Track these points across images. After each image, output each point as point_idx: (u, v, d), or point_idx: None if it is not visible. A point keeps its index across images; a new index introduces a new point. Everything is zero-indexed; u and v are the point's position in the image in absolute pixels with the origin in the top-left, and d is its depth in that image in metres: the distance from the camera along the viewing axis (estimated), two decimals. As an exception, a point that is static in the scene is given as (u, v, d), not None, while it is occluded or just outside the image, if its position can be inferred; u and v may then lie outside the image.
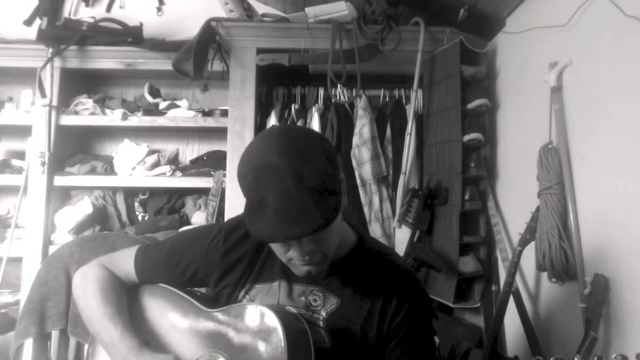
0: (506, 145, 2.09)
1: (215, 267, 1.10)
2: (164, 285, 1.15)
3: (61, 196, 2.35)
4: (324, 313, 1.04)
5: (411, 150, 2.22)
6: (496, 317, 1.71)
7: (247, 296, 1.08)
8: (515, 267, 1.66)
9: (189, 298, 1.12)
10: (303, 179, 0.84)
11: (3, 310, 2.16)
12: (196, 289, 1.25)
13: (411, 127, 2.21)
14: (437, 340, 1.96)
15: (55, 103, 2.26)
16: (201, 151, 2.59)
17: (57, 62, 2.27)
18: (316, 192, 0.85)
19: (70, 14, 2.57)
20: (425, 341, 1.08)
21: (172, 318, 1.11)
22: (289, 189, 0.84)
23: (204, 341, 1.05)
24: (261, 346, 0.97)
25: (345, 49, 2.18)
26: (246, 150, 0.93)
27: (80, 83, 2.45)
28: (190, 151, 2.62)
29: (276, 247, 0.97)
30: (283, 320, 0.96)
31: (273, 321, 0.96)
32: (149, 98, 2.39)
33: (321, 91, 2.38)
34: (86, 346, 1.32)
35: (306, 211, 0.83)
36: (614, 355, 0.76)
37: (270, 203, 0.84)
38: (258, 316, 0.99)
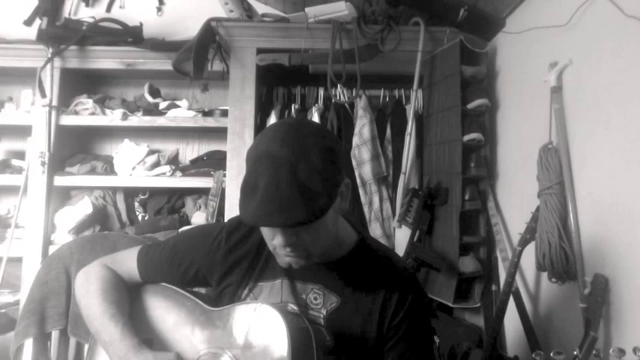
0: (506, 145, 2.09)
1: (217, 266, 1.11)
2: (166, 284, 1.15)
3: (61, 196, 2.35)
4: (324, 312, 1.04)
5: (411, 150, 2.22)
6: (496, 317, 1.72)
7: (251, 294, 1.09)
8: (515, 267, 1.66)
9: (191, 297, 1.12)
10: (297, 173, 0.86)
11: (3, 310, 2.16)
12: (199, 289, 1.26)
13: (411, 127, 2.21)
14: (437, 339, 1.97)
15: (55, 103, 2.25)
16: (201, 151, 2.59)
17: (57, 62, 2.27)
18: (307, 188, 0.86)
19: (70, 14, 2.57)
20: (424, 340, 1.09)
21: (175, 317, 1.11)
22: (281, 179, 0.85)
23: (208, 339, 1.05)
24: (265, 345, 0.97)
25: (345, 49, 2.18)
26: (259, 134, 0.96)
27: (80, 83, 2.45)
28: (190, 151, 2.62)
29: (265, 234, 0.99)
30: (286, 318, 0.96)
31: (276, 319, 0.97)
32: (149, 98, 2.39)
33: (321, 91, 2.38)
34: (86, 346, 1.32)
35: (290, 204, 0.85)
36: (611, 349, 0.77)
37: (261, 189, 0.86)
38: (261, 315, 1.00)
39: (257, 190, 0.86)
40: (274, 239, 0.95)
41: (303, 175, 0.86)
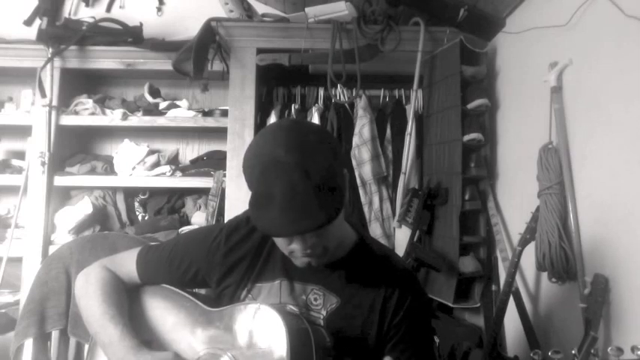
0: (506, 145, 2.09)
1: (216, 267, 1.10)
2: (166, 285, 1.15)
3: (61, 196, 2.35)
4: (324, 312, 1.04)
5: (411, 150, 2.22)
6: (496, 317, 1.72)
7: (250, 295, 1.09)
8: (515, 267, 1.66)
9: (191, 297, 1.12)
10: (309, 176, 0.85)
11: (3, 310, 2.16)
12: (198, 290, 1.25)
13: (411, 127, 2.21)
14: (437, 340, 1.97)
15: (55, 103, 2.25)
16: (201, 151, 2.59)
17: (57, 62, 2.27)
18: (321, 189, 0.86)
19: (70, 14, 2.57)
20: (424, 339, 1.09)
21: (174, 317, 1.11)
22: (295, 185, 0.85)
23: (207, 340, 1.05)
24: (264, 345, 0.97)
25: (345, 49, 2.18)
26: (254, 141, 0.95)
27: (80, 83, 2.45)
28: (190, 151, 2.62)
29: (279, 240, 0.98)
30: (285, 319, 0.96)
31: (275, 320, 0.97)
32: (149, 98, 2.39)
33: (321, 91, 2.38)
34: (86, 347, 1.32)
35: (310, 208, 0.85)
36: (609, 348, 0.78)
37: (276, 198, 0.85)
38: (261, 315, 1.00)
39: (273, 201, 0.85)
40: (291, 244, 0.95)
41: (314, 176, 0.86)
